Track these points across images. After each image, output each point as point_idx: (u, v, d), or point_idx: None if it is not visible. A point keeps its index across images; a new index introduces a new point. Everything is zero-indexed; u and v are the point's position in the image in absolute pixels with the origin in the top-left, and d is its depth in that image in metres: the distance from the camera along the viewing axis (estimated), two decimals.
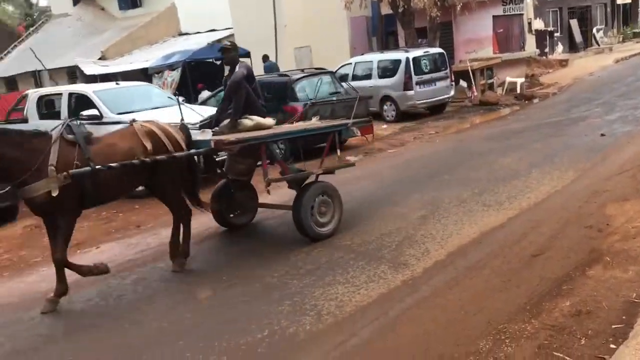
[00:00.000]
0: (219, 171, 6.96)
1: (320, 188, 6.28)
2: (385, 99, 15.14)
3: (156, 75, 17.46)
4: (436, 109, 15.72)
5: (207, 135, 6.14)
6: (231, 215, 7.04)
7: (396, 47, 19.24)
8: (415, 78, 14.63)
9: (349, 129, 7.01)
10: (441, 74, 15.32)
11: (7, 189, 5.24)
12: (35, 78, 23.32)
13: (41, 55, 20.07)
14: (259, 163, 6.27)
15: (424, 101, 15.05)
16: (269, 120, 6.60)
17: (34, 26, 31.03)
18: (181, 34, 25.03)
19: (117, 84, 11.41)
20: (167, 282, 5.64)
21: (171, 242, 5.89)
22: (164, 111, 9.89)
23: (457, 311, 4.35)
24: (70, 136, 5.08)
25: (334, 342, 4.06)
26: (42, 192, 4.85)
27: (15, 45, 28.11)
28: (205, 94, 14.53)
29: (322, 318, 4.43)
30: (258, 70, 17.26)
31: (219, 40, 21.49)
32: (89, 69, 20.42)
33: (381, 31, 21.41)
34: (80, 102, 10.08)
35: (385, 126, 14.48)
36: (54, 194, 4.84)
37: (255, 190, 7.13)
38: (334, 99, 11.03)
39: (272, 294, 4.97)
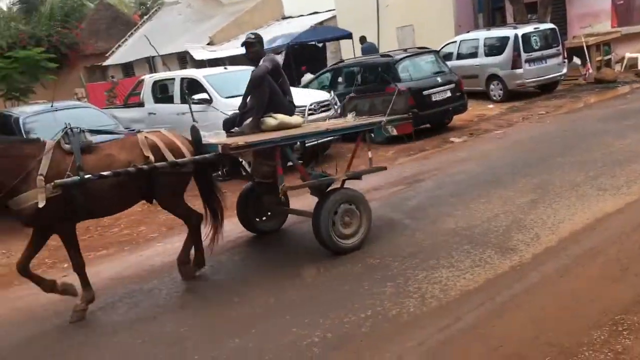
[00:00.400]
0: (244, 173, 6.40)
1: (343, 196, 5.66)
2: (492, 77, 14.60)
3: None
4: (547, 88, 14.96)
5: (220, 137, 5.84)
6: (258, 220, 6.59)
7: (504, 23, 18.45)
8: (524, 55, 13.97)
9: (382, 128, 6.00)
10: (552, 50, 14.50)
11: None
12: (149, 64, 24.65)
13: (154, 42, 21.16)
14: (289, 163, 5.87)
15: (534, 79, 14.35)
16: (296, 119, 6.14)
17: (148, 14, 32.75)
18: (284, 18, 25.44)
19: (225, 68, 11.84)
20: (273, 262, 5.82)
21: (195, 251, 5.58)
22: None
23: (568, 299, 4.17)
24: (67, 145, 4.85)
25: (438, 325, 4.03)
26: (30, 204, 4.58)
27: (132, 33, 29.82)
28: (308, 76, 14.71)
29: (426, 301, 4.41)
30: (357, 52, 17.25)
31: (321, 23, 21.64)
32: (198, 54, 21.30)
33: (488, 7, 20.58)
34: (192, 86, 10.58)
35: (491, 106, 14.01)
36: (40, 205, 4.54)
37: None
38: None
39: (374, 276, 5.01)
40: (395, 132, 6.68)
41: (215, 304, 4.97)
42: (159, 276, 5.76)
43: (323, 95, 10.46)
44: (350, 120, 6.20)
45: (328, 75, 13.01)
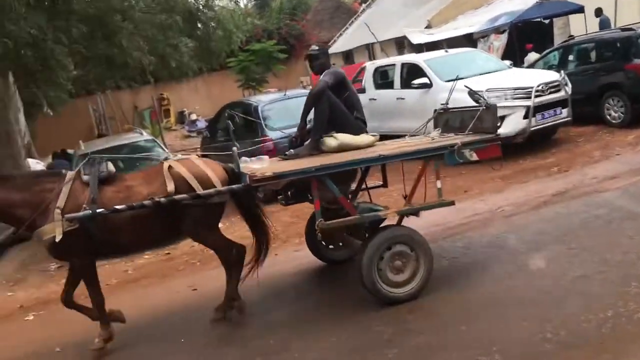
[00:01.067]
0: (310, 197, 5.35)
1: (394, 234, 4.78)
2: None
3: (481, 39, 17.29)
4: None
5: (262, 163, 5.16)
6: (327, 248, 6.01)
7: None
8: None
9: (456, 152, 4.79)
10: None
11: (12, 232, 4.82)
12: (368, 50, 25.38)
13: (373, 29, 21.70)
14: (365, 186, 5.53)
15: None
16: (364, 139, 5.34)
17: (367, 2, 33.68)
18: None
19: (445, 51, 11.70)
20: (498, 249, 5.65)
21: (226, 288, 5.01)
22: (493, 76, 9.84)
23: None
24: (86, 176, 4.65)
25: None
26: (48, 237, 4.44)
27: (352, 22, 30.96)
28: (532, 55, 13.86)
29: None
30: (591, 26, 15.72)
31: None
32: (416, 38, 21.31)
33: None
34: (411, 71, 10.67)
35: None
36: (57, 239, 4.39)
37: None
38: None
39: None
40: (475, 157, 5.09)
41: (444, 288, 4.97)
42: None
43: (552, 76, 9.77)
44: (435, 137, 5.38)
45: (556, 53, 12.10)
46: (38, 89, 15.55)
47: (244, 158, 5.21)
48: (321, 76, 5.41)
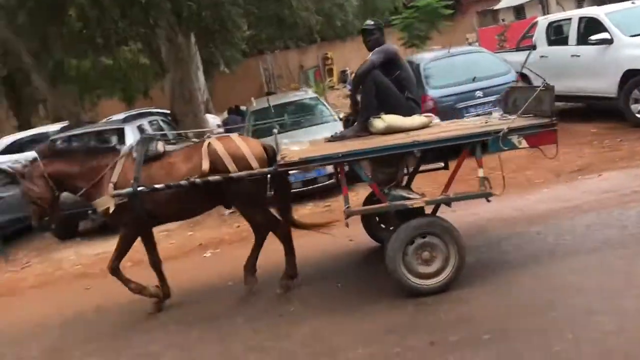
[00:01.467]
0: (363, 178, 5.01)
1: (422, 224, 4.54)
2: None
3: None
4: None
5: (302, 145, 5.21)
6: (381, 227, 5.81)
7: None
8: None
9: (501, 139, 4.42)
10: None
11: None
12: (542, 4, 23.71)
13: None
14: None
15: None
16: (415, 120, 5.04)
17: None
18: None
19: (632, 3, 10.57)
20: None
21: (249, 257, 5.32)
22: None
23: None
24: (136, 154, 5.04)
25: None
26: (103, 208, 4.98)
27: None
28: None
29: None
30: None
31: None
32: None
33: None
34: (590, 26, 9.82)
35: None
36: (111, 210, 4.92)
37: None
38: None
39: None
40: (524, 144, 4.57)
41: (612, 255, 4.72)
42: (545, 221, 5.73)
43: None
44: (493, 119, 5.00)
45: None
46: (216, 49, 16.79)
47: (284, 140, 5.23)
48: (370, 54, 5.25)
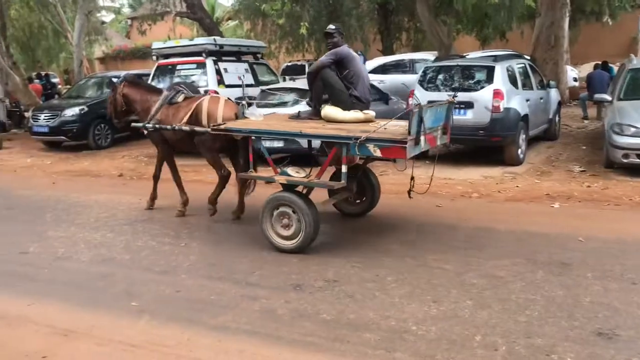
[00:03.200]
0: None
1: (280, 197, 5.59)
2: None
3: None
4: None
5: (253, 116, 6.38)
6: (348, 203, 6.73)
7: None
8: None
9: (359, 145, 5.14)
10: None
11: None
12: None
13: None
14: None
15: None
16: (350, 115, 5.94)
17: None
18: None
19: None
20: None
21: (213, 192, 6.92)
22: None
23: None
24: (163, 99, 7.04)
25: None
26: (145, 130, 7.11)
27: None
28: None
29: None
30: None
31: None
32: None
33: None
34: None
35: None
36: (145, 133, 7.20)
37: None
38: None
39: None
40: (378, 154, 5.23)
41: None
42: None
43: None
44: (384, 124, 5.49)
45: None
46: None
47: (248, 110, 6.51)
48: (324, 55, 6.37)
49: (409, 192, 6.00)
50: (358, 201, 6.73)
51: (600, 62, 14.59)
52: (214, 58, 10.98)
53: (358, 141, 5.14)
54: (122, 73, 17.76)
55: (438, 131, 5.69)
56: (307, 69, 22.17)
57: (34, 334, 4.25)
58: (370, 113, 6.03)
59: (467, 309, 4.26)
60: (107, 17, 37.33)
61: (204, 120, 6.45)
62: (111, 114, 7.55)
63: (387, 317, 4.19)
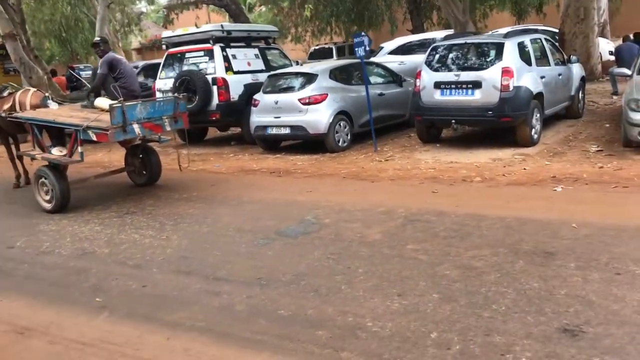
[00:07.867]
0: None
1: (39, 170, 7.40)
2: None
3: None
4: None
5: (50, 108, 8.08)
6: (137, 175, 8.59)
7: None
8: None
9: (83, 131, 6.92)
10: None
11: None
12: None
13: None
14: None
15: None
16: (101, 102, 7.56)
17: None
18: None
19: None
20: None
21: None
22: None
23: None
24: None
25: None
26: None
27: None
28: None
29: None
30: None
31: None
32: None
33: None
34: None
35: None
36: None
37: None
38: None
39: None
40: (94, 138, 6.93)
41: None
42: None
43: None
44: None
45: None
46: None
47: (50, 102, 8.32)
48: (100, 61, 8.35)
49: (179, 166, 8.09)
50: (144, 173, 8.40)
51: (631, 34, 13.73)
52: (222, 45, 10.83)
53: (81, 128, 6.82)
54: (141, 63, 18.02)
55: (164, 120, 7.26)
56: (334, 52, 22.28)
57: None
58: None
59: (431, 302, 4.03)
60: (144, 7, 37.86)
61: (17, 108, 8.07)
62: None
63: (346, 312, 4.00)
